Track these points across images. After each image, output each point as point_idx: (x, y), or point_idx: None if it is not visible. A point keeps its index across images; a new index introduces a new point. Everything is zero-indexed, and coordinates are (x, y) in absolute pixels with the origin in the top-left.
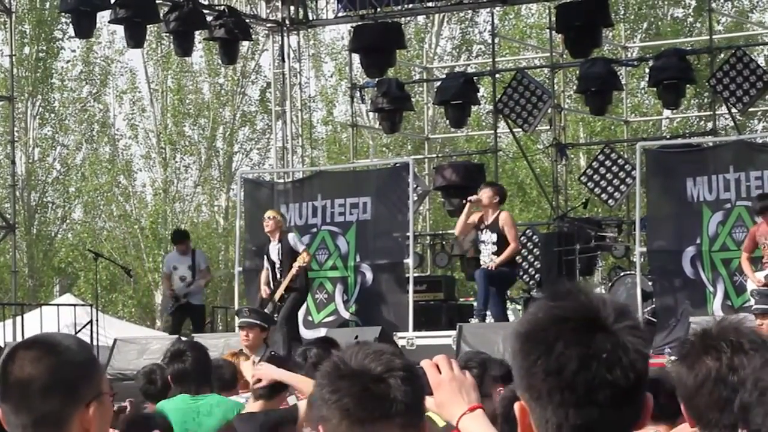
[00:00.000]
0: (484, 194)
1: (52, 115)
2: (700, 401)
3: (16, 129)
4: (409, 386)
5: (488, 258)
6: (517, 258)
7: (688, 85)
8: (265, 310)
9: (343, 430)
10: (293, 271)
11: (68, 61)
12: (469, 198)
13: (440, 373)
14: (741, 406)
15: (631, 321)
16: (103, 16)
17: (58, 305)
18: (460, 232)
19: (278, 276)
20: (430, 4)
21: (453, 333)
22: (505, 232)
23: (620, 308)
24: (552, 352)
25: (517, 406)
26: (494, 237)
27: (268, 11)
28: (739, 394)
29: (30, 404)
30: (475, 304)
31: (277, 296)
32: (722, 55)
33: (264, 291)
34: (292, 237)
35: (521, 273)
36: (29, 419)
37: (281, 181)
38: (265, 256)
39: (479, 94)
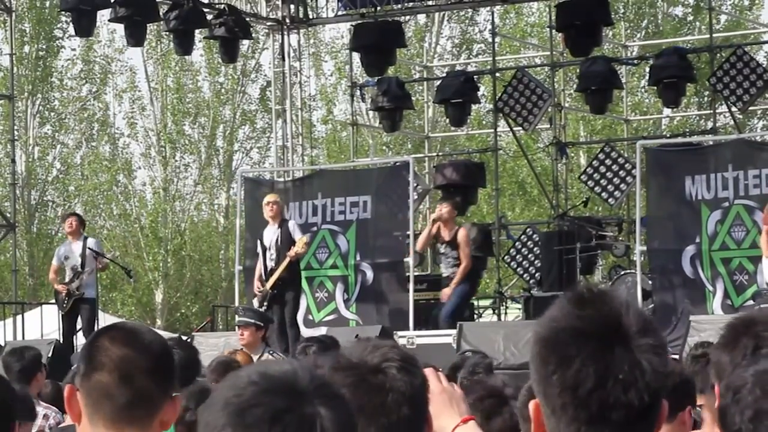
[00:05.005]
0: (446, 210)
1: (52, 113)
2: None
3: (16, 128)
4: (406, 376)
5: (450, 271)
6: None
7: (688, 84)
8: (254, 301)
9: None
10: (290, 255)
11: (68, 60)
12: (433, 217)
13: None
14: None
15: (652, 339)
16: (103, 15)
17: None
18: (421, 247)
19: (268, 262)
20: (430, 2)
21: (453, 332)
22: (460, 250)
23: (643, 322)
24: (570, 368)
25: (532, 404)
26: (455, 252)
27: (268, 10)
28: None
29: (133, 380)
30: (474, 302)
31: (269, 285)
32: (722, 54)
33: (257, 287)
34: (292, 224)
35: (522, 272)
36: (131, 395)
37: (281, 179)
38: (258, 241)
39: (479, 93)
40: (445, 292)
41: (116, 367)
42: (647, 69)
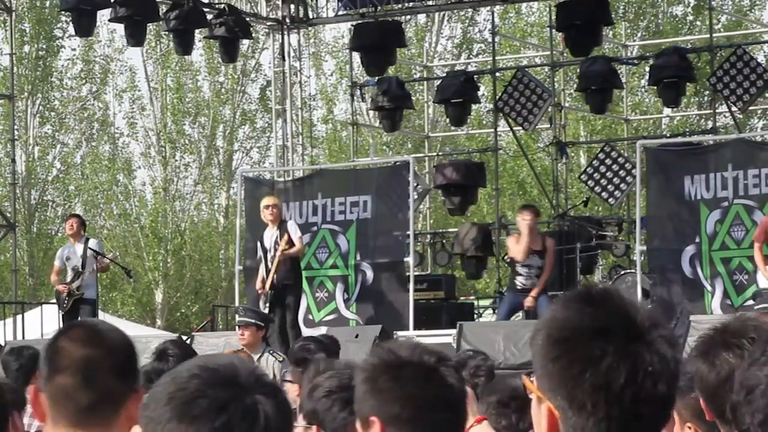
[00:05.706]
0: (531, 218)
1: (52, 113)
2: (723, 398)
3: (16, 127)
4: (458, 374)
5: (530, 282)
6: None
7: (688, 84)
8: (260, 302)
9: (406, 416)
10: (277, 254)
11: (68, 60)
12: (527, 226)
13: None
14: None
15: (665, 331)
16: (103, 15)
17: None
18: (525, 257)
19: (269, 264)
20: (430, 2)
21: (453, 332)
22: (546, 257)
23: (653, 315)
24: (599, 366)
25: (544, 408)
26: (542, 262)
27: (268, 9)
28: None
29: (96, 381)
30: (474, 302)
31: (267, 284)
32: (722, 54)
33: (258, 287)
34: (291, 224)
35: None
36: (94, 396)
37: (281, 179)
38: (259, 243)
39: (479, 93)
40: (528, 303)
41: (78, 369)
42: (647, 69)
